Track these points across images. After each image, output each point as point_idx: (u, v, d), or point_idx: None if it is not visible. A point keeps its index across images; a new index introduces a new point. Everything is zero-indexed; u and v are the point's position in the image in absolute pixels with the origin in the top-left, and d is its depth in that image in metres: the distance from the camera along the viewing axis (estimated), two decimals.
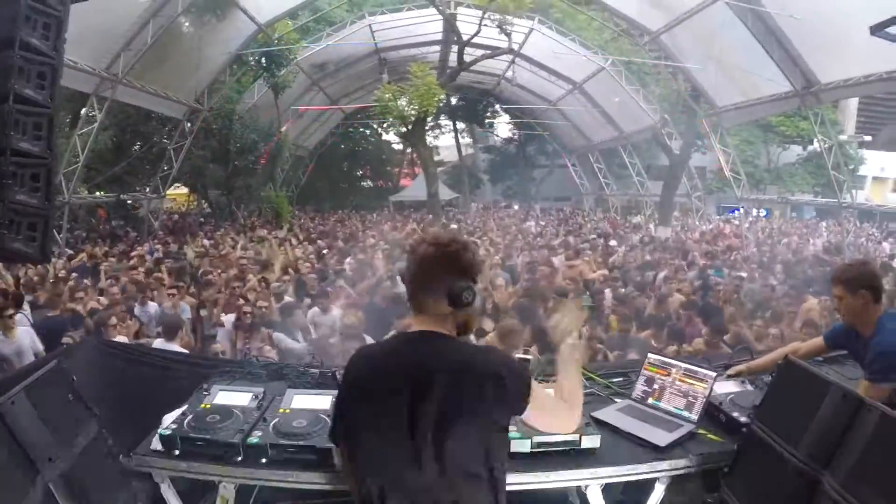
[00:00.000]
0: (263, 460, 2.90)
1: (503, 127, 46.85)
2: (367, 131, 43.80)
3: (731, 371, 3.73)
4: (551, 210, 38.41)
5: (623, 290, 9.84)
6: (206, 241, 18.51)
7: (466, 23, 21.01)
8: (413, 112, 21.15)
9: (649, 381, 3.58)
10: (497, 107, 41.93)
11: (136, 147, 24.70)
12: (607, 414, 3.36)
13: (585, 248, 15.59)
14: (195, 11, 17.65)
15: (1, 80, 3.42)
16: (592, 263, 12.67)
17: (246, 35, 20.28)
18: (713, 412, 3.35)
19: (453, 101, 40.84)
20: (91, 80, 15.55)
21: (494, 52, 22.46)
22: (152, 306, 9.29)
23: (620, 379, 3.87)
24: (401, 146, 46.84)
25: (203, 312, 8.62)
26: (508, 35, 20.92)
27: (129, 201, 24.33)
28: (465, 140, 48.45)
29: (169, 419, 3.10)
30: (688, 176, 25.92)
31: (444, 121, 44.85)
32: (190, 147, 22.04)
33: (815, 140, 21.02)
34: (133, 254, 14.96)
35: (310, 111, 29.69)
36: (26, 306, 8.07)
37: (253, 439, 2.93)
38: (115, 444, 2.97)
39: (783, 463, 2.52)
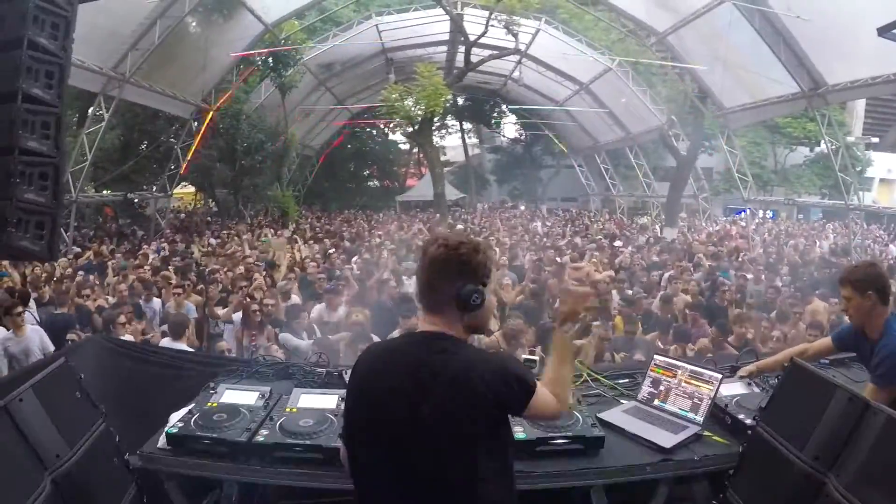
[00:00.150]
0: (269, 459, 2.91)
1: (510, 127, 46.87)
2: (374, 131, 43.82)
3: (741, 371, 3.73)
4: (558, 210, 38.35)
5: (630, 291, 9.82)
6: (212, 240, 18.58)
7: (473, 23, 21.01)
8: (420, 112, 21.13)
9: (655, 383, 3.58)
10: (504, 107, 41.94)
11: (144, 146, 24.81)
12: (613, 415, 3.36)
13: (592, 248, 15.57)
14: (202, 11, 17.70)
15: (9, 80, 3.43)
16: (599, 264, 12.65)
17: (253, 35, 20.32)
18: (719, 414, 3.35)
19: (460, 101, 40.84)
20: (98, 79, 15.61)
21: (501, 52, 22.44)
22: (156, 302, 9.35)
23: (626, 380, 3.88)
24: (407, 146, 46.93)
25: (221, 312, 8.68)
26: (515, 35, 20.91)
27: (136, 200, 24.40)
28: (472, 140, 48.50)
29: (176, 417, 3.12)
30: (694, 177, 25.83)
31: (450, 121, 44.90)
32: (197, 146, 22.11)
33: (823, 141, 20.98)
34: (140, 252, 15.02)
35: (316, 111, 29.71)
36: (32, 304, 8.12)
37: (259, 438, 2.93)
38: (121, 442, 2.98)
39: (788, 465, 2.52)
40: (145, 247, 16.71)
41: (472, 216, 29.71)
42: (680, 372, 3.51)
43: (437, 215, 23.48)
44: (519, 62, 26.47)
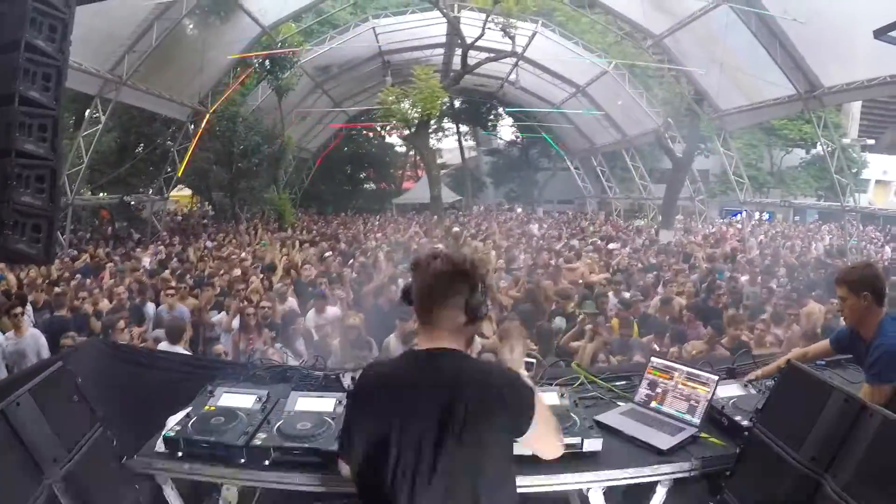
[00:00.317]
0: (267, 462, 2.90)
1: (506, 130, 47.00)
2: (371, 134, 43.81)
3: (749, 376, 3.75)
4: (554, 213, 38.38)
5: (626, 293, 9.83)
6: (208, 243, 18.56)
7: (470, 26, 21.05)
8: (416, 115, 21.17)
9: (652, 385, 3.58)
10: (500, 110, 41.98)
11: (140, 149, 24.76)
12: (610, 417, 3.37)
13: (588, 250, 15.58)
14: (199, 14, 17.69)
15: (6, 82, 3.43)
16: (594, 266, 12.67)
17: (250, 38, 20.32)
18: (715, 416, 3.35)
19: (456, 103, 40.84)
20: (95, 81, 15.62)
21: (498, 55, 22.46)
22: (150, 306, 9.34)
23: (623, 382, 3.88)
24: (404, 149, 46.98)
25: (216, 317, 8.69)
26: (512, 38, 20.93)
27: (132, 203, 24.36)
28: (469, 143, 48.47)
29: (173, 421, 3.11)
30: (691, 179, 25.90)
31: (447, 123, 44.88)
32: (194, 149, 22.10)
33: (819, 143, 21.05)
34: (133, 255, 15.05)
35: (313, 113, 29.70)
36: (28, 307, 8.11)
37: (257, 441, 2.93)
38: (118, 446, 2.98)
39: (785, 466, 2.52)
40: (139, 250, 16.71)
41: (469, 219, 29.71)
42: (677, 374, 3.52)
43: (434, 218, 23.48)
44: (515, 65, 26.54)
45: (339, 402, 3.22)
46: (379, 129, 41.78)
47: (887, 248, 22.61)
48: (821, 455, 2.39)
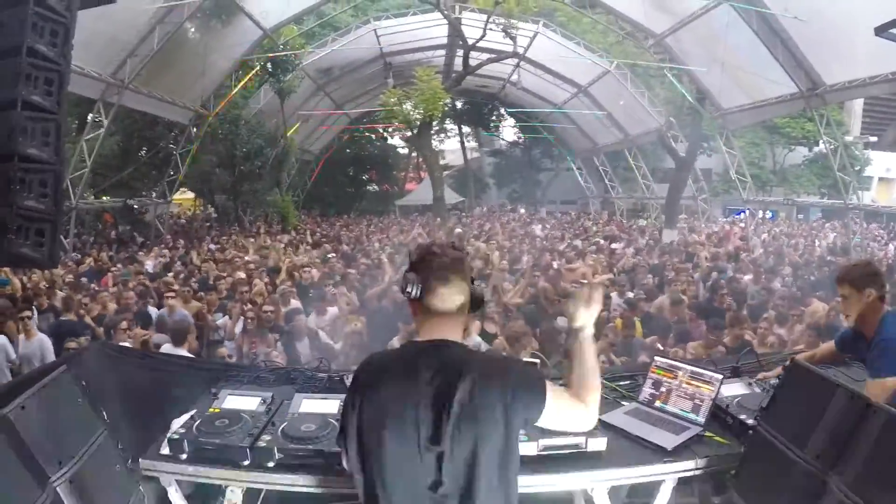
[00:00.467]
0: (271, 464, 2.90)
1: (508, 130, 46.99)
2: (373, 136, 43.83)
3: (759, 377, 3.76)
4: (557, 213, 38.36)
5: (630, 293, 9.81)
6: (212, 246, 18.58)
7: (471, 27, 21.07)
8: (418, 116, 21.18)
9: (656, 384, 3.58)
10: (502, 110, 41.90)
11: (143, 152, 24.89)
12: (614, 417, 3.36)
13: (592, 250, 15.56)
14: (201, 17, 17.73)
15: (9, 87, 3.43)
16: (597, 266, 12.65)
17: (252, 40, 20.37)
18: (720, 414, 3.35)
19: (458, 105, 40.92)
20: (98, 85, 15.67)
21: (499, 55, 22.48)
22: (152, 310, 9.35)
23: (627, 382, 3.87)
24: (406, 150, 47.02)
25: (222, 319, 8.70)
26: (513, 39, 20.95)
27: (135, 206, 24.42)
28: (471, 144, 48.54)
29: (178, 424, 3.11)
30: (693, 178, 25.87)
31: (449, 125, 44.99)
32: (196, 152, 22.14)
33: (821, 141, 21.02)
34: (137, 258, 15.09)
35: (315, 116, 29.74)
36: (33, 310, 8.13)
37: (262, 443, 2.93)
38: (123, 449, 2.98)
39: (790, 464, 2.52)
40: (142, 253, 16.73)
41: (472, 220, 29.71)
42: (681, 373, 3.51)
43: (437, 219, 23.48)
44: (517, 65, 26.55)
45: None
46: (381, 130, 41.81)
47: (891, 246, 22.56)
48: (826, 453, 2.38)
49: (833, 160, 17.25)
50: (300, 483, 2.89)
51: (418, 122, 21.54)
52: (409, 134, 22.81)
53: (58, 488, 2.39)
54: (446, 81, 22.67)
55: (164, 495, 3.02)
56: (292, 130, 26.54)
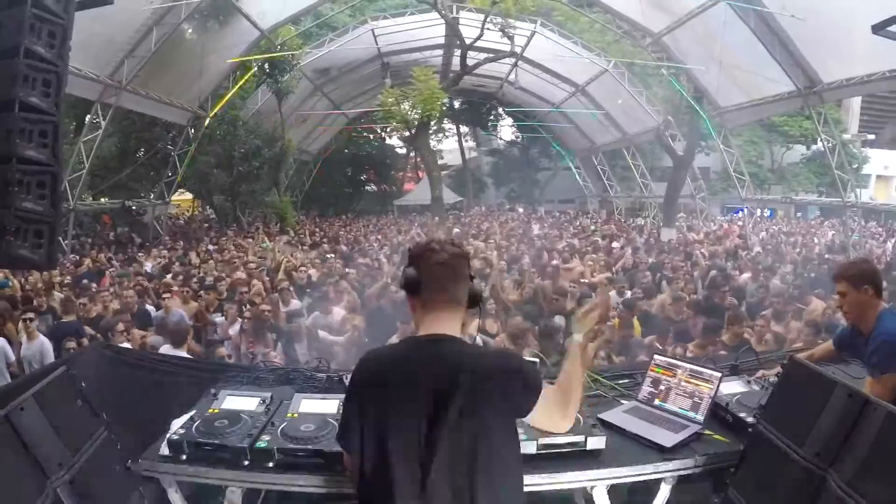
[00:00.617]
0: (271, 464, 2.91)
1: (506, 130, 47.00)
2: (371, 136, 43.78)
3: (758, 375, 3.78)
4: (555, 212, 38.34)
5: (629, 292, 9.81)
6: (210, 247, 18.57)
7: (469, 27, 21.03)
8: (416, 116, 21.18)
9: (655, 383, 3.58)
10: (500, 110, 41.94)
11: (141, 153, 24.81)
12: (613, 415, 3.37)
13: (590, 250, 15.55)
14: (198, 18, 17.71)
15: (6, 89, 3.44)
16: (595, 265, 12.65)
17: (249, 41, 20.33)
18: (719, 413, 3.35)
19: (456, 104, 40.91)
20: (95, 87, 15.63)
21: (497, 55, 22.45)
22: (150, 308, 9.35)
23: (626, 381, 3.88)
24: (404, 150, 46.91)
25: (219, 319, 8.70)
26: (511, 38, 20.93)
27: (133, 207, 24.44)
28: (469, 143, 48.54)
29: (177, 424, 3.11)
30: (692, 177, 25.87)
31: (447, 124, 44.87)
32: (194, 153, 22.13)
33: (819, 139, 21.01)
34: (137, 259, 15.08)
35: (313, 116, 29.71)
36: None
37: (261, 444, 2.93)
38: (122, 450, 2.98)
39: (789, 462, 2.53)
40: (141, 254, 16.72)
41: (470, 219, 29.70)
42: (680, 371, 3.52)
43: (435, 219, 23.48)
44: (515, 65, 26.49)
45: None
46: (379, 130, 41.78)
47: (889, 244, 22.56)
48: (825, 450, 2.39)
49: (831, 158, 17.25)
50: (300, 483, 2.89)
51: (416, 122, 21.54)
52: (407, 134, 22.78)
53: (58, 489, 2.39)
54: (444, 81, 22.66)
55: (164, 496, 3.02)
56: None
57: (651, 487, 3.05)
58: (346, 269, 11.88)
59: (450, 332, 2.18)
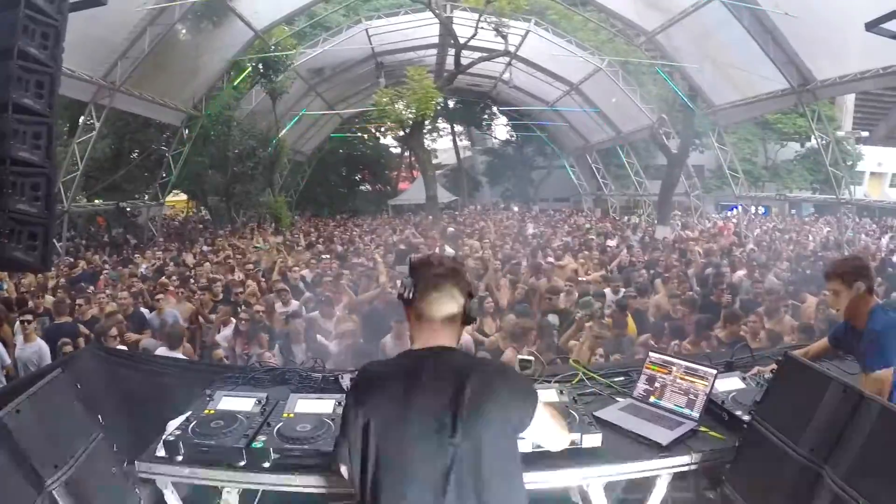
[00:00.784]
0: (267, 465, 2.90)
1: (501, 129, 46.90)
2: (365, 135, 43.69)
3: (753, 371, 3.80)
4: (550, 211, 38.34)
5: (623, 290, 9.82)
6: (205, 248, 18.55)
7: (463, 26, 21.00)
8: (410, 115, 21.17)
9: (650, 380, 3.59)
10: (494, 109, 41.89)
11: (135, 154, 24.77)
12: (609, 413, 3.37)
13: (583, 248, 15.55)
14: (192, 19, 17.68)
15: (0, 90, 3.43)
16: (589, 263, 12.67)
17: (243, 42, 20.32)
18: (715, 409, 3.36)
19: (450, 103, 40.81)
20: (89, 88, 15.60)
21: (491, 54, 22.45)
22: (144, 311, 9.33)
23: (622, 378, 3.88)
24: (399, 150, 46.86)
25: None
26: (505, 37, 20.95)
27: (128, 209, 24.38)
28: (463, 143, 48.50)
29: (173, 425, 3.10)
30: (686, 175, 25.90)
31: (441, 124, 44.80)
32: (188, 154, 22.09)
33: (813, 137, 21.03)
34: (132, 261, 15.05)
35: (307, 116, 29.66)
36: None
37: (257, 444, 2.93)
38: (118, 452, 2.98)
39: (785, 458, 2.53)
40: (136, 256, 16.70)
41: (465, 218, 29.69)
42: (675, 368, 3.52)
43: (430, 218, 23.47)
44: (509, 64, 26.51)
45: (339, 403, 3.21)
46: (374, 130, 41.71)
47: (883, 240, 22.60)
48: (820, 446, 2.40)
49: (825, 155, 17.32)
50: (296, 483, 2.89)
51: (410, 122, 21.54)
52: (401, 133, 22.78)
53: (53, 492, 2.38)
54: (438, 80, 22.63)
55: (161, 498, 3.02)
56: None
57: (647, 484, 3.06)
58: (341, 270, 11.85)
59: (447, 343, 2.20)
